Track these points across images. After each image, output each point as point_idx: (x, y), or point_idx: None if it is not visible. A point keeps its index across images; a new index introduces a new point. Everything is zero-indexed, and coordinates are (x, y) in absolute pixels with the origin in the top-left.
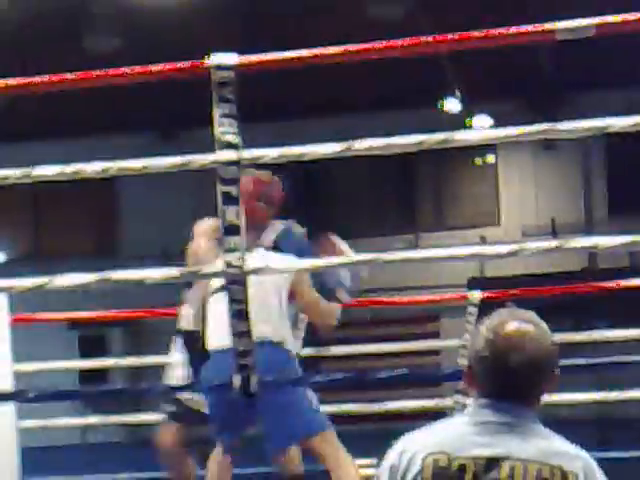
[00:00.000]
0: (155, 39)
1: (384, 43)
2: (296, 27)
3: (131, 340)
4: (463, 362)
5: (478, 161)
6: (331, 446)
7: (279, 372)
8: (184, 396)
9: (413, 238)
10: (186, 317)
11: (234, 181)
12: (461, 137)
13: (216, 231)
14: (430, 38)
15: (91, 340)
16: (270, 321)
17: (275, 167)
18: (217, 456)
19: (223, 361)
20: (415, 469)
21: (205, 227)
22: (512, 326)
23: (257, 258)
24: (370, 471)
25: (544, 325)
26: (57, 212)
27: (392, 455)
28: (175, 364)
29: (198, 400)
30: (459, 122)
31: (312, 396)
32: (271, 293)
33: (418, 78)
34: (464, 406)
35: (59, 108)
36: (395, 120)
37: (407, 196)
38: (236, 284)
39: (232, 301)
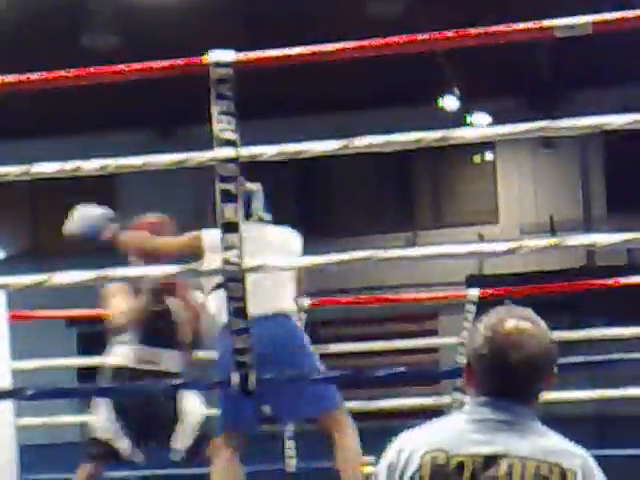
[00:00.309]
0: (154, 37)
1: (382, 40)
2: (295, 24)
3: None
4: (461, 360)
5: (477, 159)
6: (347, 421)
7: (298, 340)
8: (105, 436)
9: (411, 236)
10: (126, 356)
11: (232, 178)
12: (459, 135)
13: (125, 289)
14: (428, 35)
15: (90, 337)
16: (284, 297)
17: (273, 164)
18: (223, 459)
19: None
20: (413, 467)
21: (115, 288)
22: (511, 324)
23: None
24: (368, 469)
25: (542, 323)
26: (56, 209)
27: (390, 453)
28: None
29: (120, 443)
30: (457, 120)
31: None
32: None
33: (416, 75)
34: (462, 404)
35: (57, 105)
36: (393, 118)
37: (405, 194)
38: (234, 281)
39: (230, 299)
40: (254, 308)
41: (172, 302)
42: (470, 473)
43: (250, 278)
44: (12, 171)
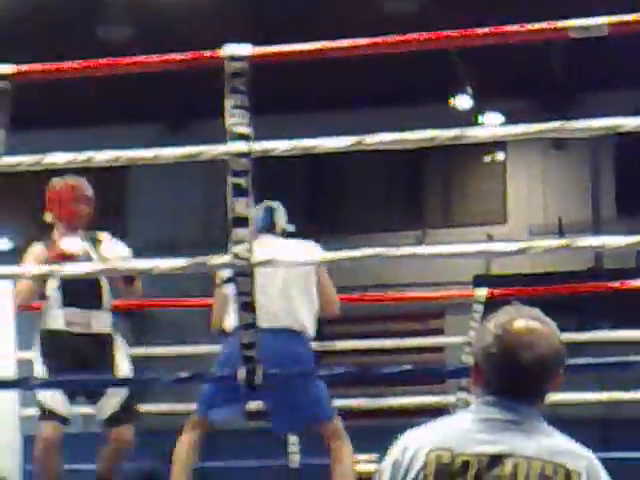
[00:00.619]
0: (168, 29)
1: (397, 37)
2: (310, 19)
3: (134, 330)
4: (467, 359)
5: (487, 159)
6: (342, 431)
7: (297, 360)
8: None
9: (420, 234)
10: (57, 319)
11: (244, 173)
12: (473, 134)
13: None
14: (443, 34)
15: None
16: (291, 310)
17: (285, 160)
18: (190, 437)
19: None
20: (418, 465)
21: (34, 253)
22: (521, 323)
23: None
24: (372, 467)
25: (552, 323)
26: None
27: (395, 451)
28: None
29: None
30: (469, 119)
31: (324, 385)
32: (294, 281)
33: (429, 74)
34: (467, 403)
35: (69, 96)
36: (405, 116)
37: (415, 192)
38: (243, 276)
39: (239, 293)
40: (267, 320)
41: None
42: (475, 472)
43: (270, 290)
44: (24, 161)
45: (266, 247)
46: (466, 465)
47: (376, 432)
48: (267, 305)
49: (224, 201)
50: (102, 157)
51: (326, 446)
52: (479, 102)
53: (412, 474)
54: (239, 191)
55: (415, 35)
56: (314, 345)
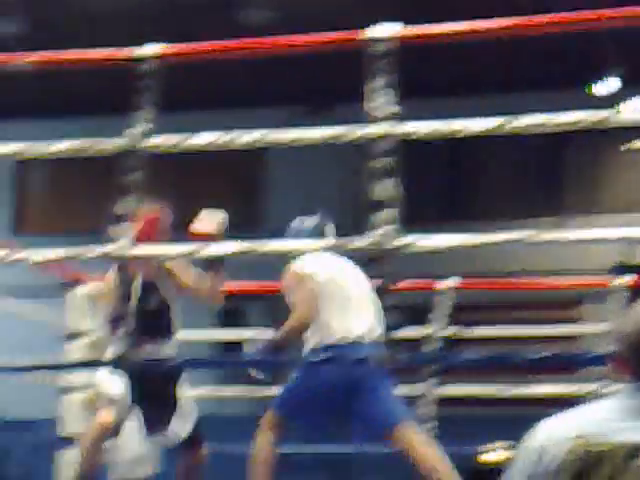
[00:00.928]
0: (308, 14)
1: (544, 18)
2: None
3: (269, 313)
4: (606, 348)
5: (629, 146)
6: (413, 434)
7: (378, 372)
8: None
9: (557, 221)
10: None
11: (386, 155)
12: (620, 118)
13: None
14: (589, 14)
15: (230, 313)
16: (378, 322)
17: (423, 145)
18: (269, 437)
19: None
20: (555, 453)
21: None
22: None
23: None
24: (506, 454)
25: None
26: (201, 183)
27: (533, 438)
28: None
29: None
30: (614, 105)
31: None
32: (373, 296)
33: (574, 58)
34: (604, 393)
35: (212, 79)
36: (545, 101)
37: (554, 179)
38: (380, 260)
39: (376, 277)
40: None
41: (169, 293)
42: (614, 462)
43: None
44: (169, 141)
45: (321, 258)
46: (606, 454)
47: (513, 420)
48: (363, 317)
49: (361, 184)
50: (245, 138)
51: (403, 449)
52: (625, 87)
53: (549, 461)
54: (380, 174)
55: (561, 16)
56: (449, 331)
